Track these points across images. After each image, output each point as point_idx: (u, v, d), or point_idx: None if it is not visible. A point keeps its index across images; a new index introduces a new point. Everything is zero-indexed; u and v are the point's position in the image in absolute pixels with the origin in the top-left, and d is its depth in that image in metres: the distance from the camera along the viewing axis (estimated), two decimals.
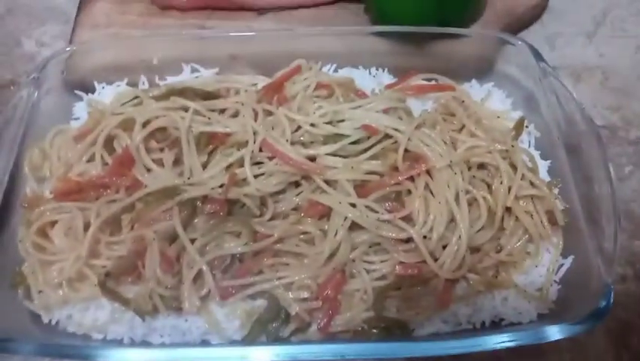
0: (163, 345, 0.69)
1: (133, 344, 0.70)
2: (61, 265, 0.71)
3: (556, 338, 0.63)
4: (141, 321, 0.70)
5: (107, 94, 0.89)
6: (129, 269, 0.71)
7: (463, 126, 0.79)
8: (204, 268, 0.69)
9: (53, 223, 0.74)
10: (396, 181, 0.71)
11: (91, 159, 0.78)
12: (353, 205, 0.70)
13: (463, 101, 0.82)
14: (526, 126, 0.82)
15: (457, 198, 0.70)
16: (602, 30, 1.07)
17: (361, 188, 0.72)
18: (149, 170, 0.75)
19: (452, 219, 0.70)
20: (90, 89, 0.91)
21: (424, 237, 0.68)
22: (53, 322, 0.72)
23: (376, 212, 0.69)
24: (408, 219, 0.70)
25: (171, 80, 0.90)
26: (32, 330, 0.71)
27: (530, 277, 0.73)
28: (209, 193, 0.71)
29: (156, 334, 0.70)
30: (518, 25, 1.06)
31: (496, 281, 0.71)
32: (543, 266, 0.73)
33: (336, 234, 0.69)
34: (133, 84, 0.91)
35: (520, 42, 0.86)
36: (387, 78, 0.90)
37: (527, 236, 0.73)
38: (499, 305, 0.71)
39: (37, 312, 0.72)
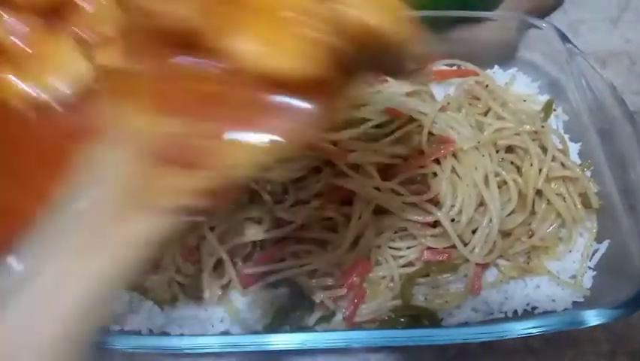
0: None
1: (152, 334, 0.68)
2: None
3: (593, 324, 0.60)
4: (159, 311, 0.68)
5: None
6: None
7: (489, 110, 0.77)
8: (224, 256, 0.67)
9: None
10: (422, 164, 0.68)
11: None
12: (377, 189, 0.67)
13: (487, 86, 0.80)
14: (554, 109, 0.79)
15: (486, 181, 0.67)
16: (626, 16, 1.05)
17: (385, 172, 0.70)
18: None
19: (481, 203, 0.67)
20: None
21: (452, 220, 0.66)
22: None
23: (401, 195, 0.67)
24: (435, 203, 0.67)
25: None
26: None
27: (564, 263, 0.70)
28: None
29: (175, 324, 0.68)
30: (539, 12, 1.03)
31: (528, 267, 0.68)
32: (577, 252, 0.70)
33: (360, 218, 0.66)
34: None
35: (545, 24, 0.83)
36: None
37: (560, 220, 0.70)
38: (532, 293, 0.68)
39: None
